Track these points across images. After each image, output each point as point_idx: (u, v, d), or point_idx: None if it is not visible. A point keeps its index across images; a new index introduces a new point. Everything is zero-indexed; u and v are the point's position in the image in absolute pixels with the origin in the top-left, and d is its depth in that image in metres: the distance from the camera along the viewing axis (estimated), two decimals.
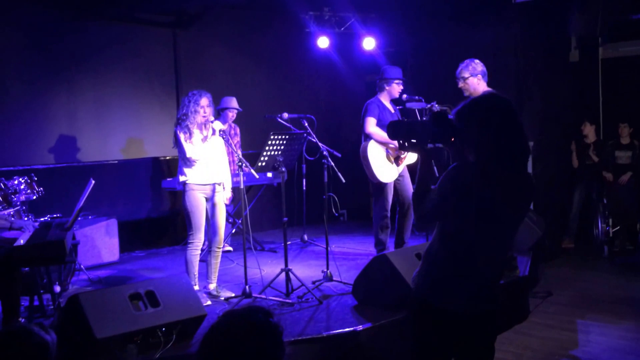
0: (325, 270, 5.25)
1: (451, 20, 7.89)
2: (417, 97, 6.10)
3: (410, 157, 5.81)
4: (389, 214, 5.85)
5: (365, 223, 8.21)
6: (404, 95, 6.11)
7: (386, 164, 5.68)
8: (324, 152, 5.20)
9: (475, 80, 5.18)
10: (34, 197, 5.12)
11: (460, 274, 2.45)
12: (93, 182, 4.41)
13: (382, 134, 5.52)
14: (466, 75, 5.20)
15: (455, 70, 5.34)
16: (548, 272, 6.40)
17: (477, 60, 5.22)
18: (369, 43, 7.93)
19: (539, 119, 7.56)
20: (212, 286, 5.02)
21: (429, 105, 5.56)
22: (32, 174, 5.20)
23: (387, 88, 5.82)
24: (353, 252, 6.74)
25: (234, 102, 6.60)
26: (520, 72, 7.65)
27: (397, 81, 5.82)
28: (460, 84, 5.25)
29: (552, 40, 7.63)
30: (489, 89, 5.28)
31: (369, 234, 6.21)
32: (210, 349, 1.68)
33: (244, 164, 4.79)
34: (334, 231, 7.84)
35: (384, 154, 5.69)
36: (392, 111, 5.87)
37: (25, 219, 4.83)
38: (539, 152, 7.38)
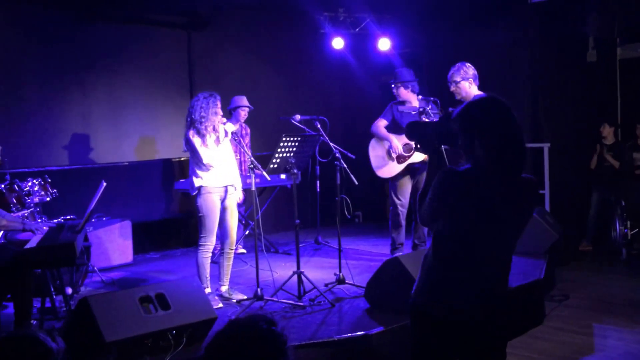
0: (338, 272, 5.21)
1: (466, 21, 7.82)
2: (432, 98, 6.06)
3: (416, 156, 5.79)
4: (400, 212, 5.84)
5: (380, 225, 8.16)
6: (419, 97, 6.09)
7: (385, 161, 5.85)
8: (337, 154, 5.17)
9: (466, 84, 5.24)
10: (48, 199, 5.16)
11: (453, 280, 2.41)
12: (104, 184, 4.42)
13: (382, 132, 5.88)
14: (457, 79, 5.26)
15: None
16: (565, 275, 6.30)
17: (468, 64, 5.27)
18: (384, 44, 7.89)
19: (555, 120, 7.45)
20: (224, 288, 5.00)
21: (420, 109, 5.54)
22: (46, 176, 5.24)
23: (403, 91, 5.87)
24: (367, 254, 6.69)
25: (244, 101, 6.60)
26: (536, 73, 7.55)
27: (406, 83, 5.88)
28: (452, 88, 5.32)
29: (569, 41, 7.50)
30: (481, 92, 5.32)
31: (383, 236, 6.17)
32: (214, 358, 1.66)
33: (255, 166, 4.77)
34: (349, 233, 7.81)
35: (385, 150, 5.88)
36: (413, 112, 5.85)
37: (39, 220, 4.86)
38: (556, 154, 7.27)
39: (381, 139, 5.92)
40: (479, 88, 5.37)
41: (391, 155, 5.86)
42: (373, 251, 6.78)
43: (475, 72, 5.27)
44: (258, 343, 1.63)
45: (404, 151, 5.81)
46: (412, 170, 5.88)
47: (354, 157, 5.84)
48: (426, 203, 2.45)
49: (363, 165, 6.25)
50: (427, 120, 5.29)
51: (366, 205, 8.91)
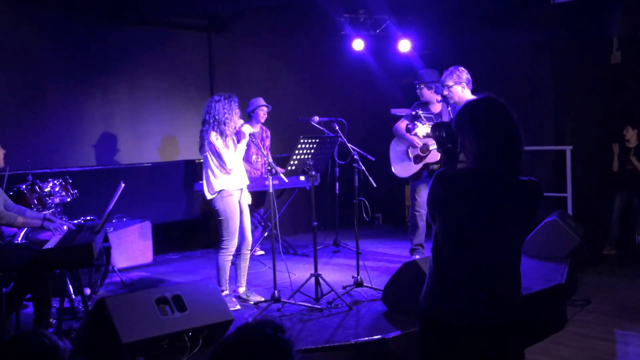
0: (356, 275, 5.19)
1: (488, 22, 7.74)
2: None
3: (432, 157, 5.76)
4: (418, 213, 5.82)
5: (400, 227, 8.11)
6: (438, 98, 6.04)
7: (403, 160, 5.83)
8: (355, 156, 5.15)
9: (459, 88, 5.24)
10: (68, 200, 5.22)
11: (453, 284, 2.37)
12: (123, 185, 4.45)
13: (402, 132, 5.77)
14: (450, 83, 5.25)
15: (490, 73, 5.26)
16: (587, 280, 6.18)
17: (461, 68, 5.26)
18: (404, 45, 7.83)
19: (578, 122, 7.34)
20: (242, 290, 5.01)
21: (414, 112, 5.51)
22: (67, 176, 5.30)
23: (427, 92, 5.85)
24: (386, 256, 6.65)
25: (261, 100, 6.61)
26: (559, 75, 7.44)
27: (430, 84, 5.83)
28: (445, 92, 5.31)
29: (593, 42, 7.38)
30: (474, 96, 5.22)
31: (403, 239, 6.13)
32: None
33: (273, 168, 4.76)
34: (368, 235, 7.77)
35: (404, 149, 5.84)
36: (436, 112, 5.83)
37: (61, 219, 4.92)
38: (578, 156, 7.16)
39: (402, 138, 5.90)
40: (473, 92, 5.34)
41: (409, 155, 5.85)
42: (392, 254, 6.74)
43: (469, 77, 5.26)
44: (264, 349, 1.62)
45: (421, 151, 5.79)
46: (430, 171, 5.84)
47: (373, 159, 5.82)
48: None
49: (383, 167, 6.22)
50: (423, 124, 5.27)
51: (386, 208, 8.86)
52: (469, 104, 2.45)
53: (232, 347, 1.65)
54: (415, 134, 5.28)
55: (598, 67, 7.53)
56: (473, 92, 5.31)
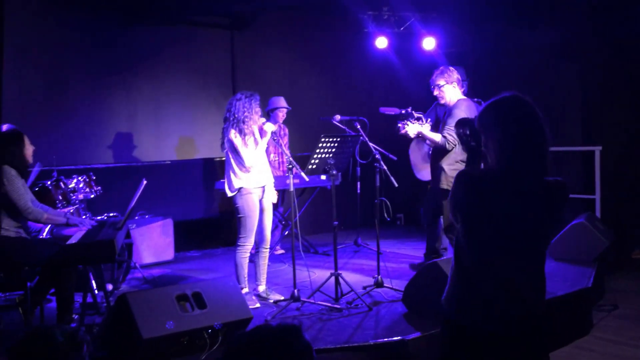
0: (376, 275, 5.14)
1: (515, 19, 7.61)
2: (476, 99, 5.93)
3: None
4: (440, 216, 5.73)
5: (422, 228, 8.02)
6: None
7: (426, 162, 5.66)
8: (377, 155, 5.10)
9: (450, 87, 5.18)
10: (92, 196, 5.27)
11: (475, 288, 2.32)
12: (145, 182, 4.48)
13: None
14: (441, 82, 5.19)
15: (517, 71, 5.18)
16: (615, 284, 6.04)
17: (452, 68, 5.23)
18: (429, 43, 7.73)
19: (607, 124, 7.17)
20: (262, 288, 5.00)
21: (403, 111, 5.41)
22: (91, 173, 5.36)
23: None
24: (407, 257, 6.59)
25: (283, 102, 6.59)
26: (588, 72, 7.28)
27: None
28: (435, 92, 5.24)
29: (623, 39, 7.20)
30: (464, 96, 5.25)
31: (424, 240, 6.06)
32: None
33: (293, 166, 4.74)
34: (389, 235, 7.71)
35: (426, 150, 5.70)
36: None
37: (84, 217, 4.97)
38: (608, 158, 7.00)
39: (423, 140, 5.80)
40: (500, 91, 5.20)
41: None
42: (413, 254, 6.68)
43: (459, 77, 5.24)
44: (281, 351, 1.60)
45: None
46: None
47: (395, 158, 5.75)
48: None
49: (405, 167, 6.16)
50: (413, 123, 5.18)
51: (408, 208, 8.78)
52: (493, 101, 2.37)
53: (249, 344, 1.62)
54: (406, 133, 5.17)
55: (628, 65, 7.35)
56: (500, 91, 5.21)
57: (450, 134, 5.01)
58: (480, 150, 2.43)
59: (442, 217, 5.23)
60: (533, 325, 2.35)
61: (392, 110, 5.55)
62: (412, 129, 5.11)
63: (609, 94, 7.23)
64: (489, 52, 7.97)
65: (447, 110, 5.18)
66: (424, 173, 5.81)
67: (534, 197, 2.28)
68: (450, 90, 5.18)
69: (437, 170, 5.19)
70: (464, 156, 5.20)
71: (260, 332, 1.65)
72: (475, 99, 5.89)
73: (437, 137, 5.08)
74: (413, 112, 5.41)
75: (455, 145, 5.04)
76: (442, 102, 5.25)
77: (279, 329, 1.65)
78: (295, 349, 1.61)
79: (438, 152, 5.17)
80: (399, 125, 5.17)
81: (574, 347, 4.62)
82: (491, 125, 2.33)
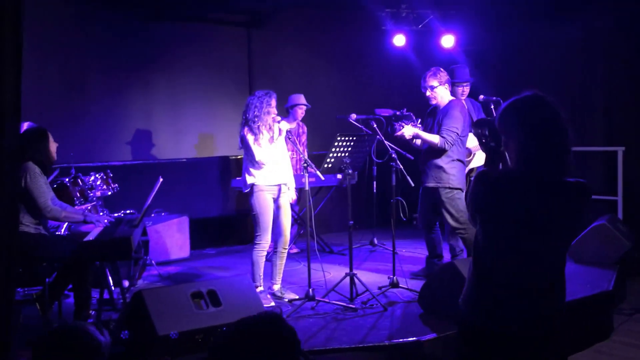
0: (392, 276, 5.10)
1: (536, 15, 7.49)
2: (494, 98, 5.88)
3: (477, 160, 5.60)
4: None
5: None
6: (481, 96, 5.92)
7: None
8: (393, 155, 5.06)
9: (442, 89, 5.19)
10: (109, 193, 5.30)
11: (493, 290, 2.28)
12: (161, 180, 4.49)
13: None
14: (435, 84, 5.19)
15: (538, 69, 5.10)
16: (637, 287, 5.93)
17: (442, 69, 5.25)
18: (447, 41, 7.66)
19: (632, 123, 7.03)
20: (277, 287, 4.99)
21: (398, 112, 5.35)
22: (108, 170, 5.38)
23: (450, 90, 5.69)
24: (423, 258, 6.52)
25: (302, 99, 6.57)
26: (612, 72, 7.14)
27: (463, 84, 5.72)
28: (428, 93, 5.23)
29: None
30: (453, 97, 5.29)
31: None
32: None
33: (309, 165, 4.73)
34: (405, 235, 7.65)
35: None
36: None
37: (101, 214, 5.00)
38: (632, 158, 6.86)
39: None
40: (522, 90, 5.12)
41: None
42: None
43: (449, 78, 5.27)
44: (266, 339, 1.61)
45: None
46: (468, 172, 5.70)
47: (412, 157, 5.69)
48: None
49: None
50: (407, 124, 5.15)
51: None
52: (514, 100, 2.33)
53: (233, 336, 1.63)
54: (402, 135, 5.13)
55: None
56: (521, 89, 5.12)
57: (449, 133, 5.05)
58: (500, 151, 2.39)
59: (447, 216, 5.17)
60: (552, 328, 2.31)
61: (386, 112, 5.50)
62: (408, 130, 5.13)
63: (633, 92, 7.08)
64: (510, 49, 7.86)
65: (442, 111, 5.19)
66: None
67: (554, 199, 2.23)
68: (443, 91, 5.21)
69: (432, 170, 5.19)
70: (460, 154, 5.22)
71: (243, 324, 1.66)
72: (494, 98, 5.83)
73: (434, 138, 5.10)
74: (411, 114, 5.37)
75: (453, 144, 5.07)
76: (434, 102, 5.27)
77: (260, 318, 1.67)
78: (279, 335, 1.61)
79: (431, 152, 5.19)
80: (395, 126, 5.17)
81: (594, 351, 4.55)
82: (512, 125, 2.28)
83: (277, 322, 1.66)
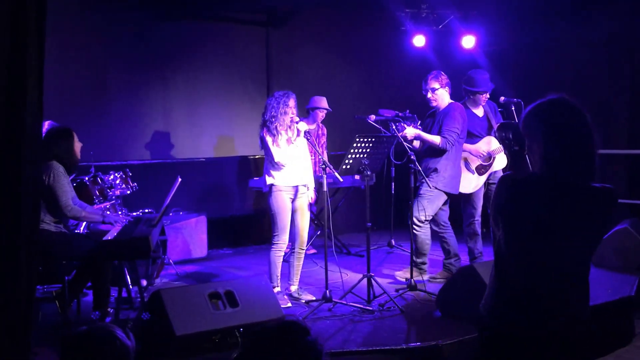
0: (410, 278, 5.07)
1: (559, 15, 7.38)
2: (515, 99, 5.80)
3: (498, 164, 5.54)
4: (475, 220, 5.63)
5: (457, 231, 7.87)
6: (502, 98, 5.86)
7: (463, 173, 5.51)
8: (412, 156, 5.03)
9: (443, 91, 5.30)
10: (128, 192, 5.33)
11: (514, 295, 2.24)
12: (180, 179, 4.51)
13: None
14: (436, 86, 5.30)
15: (561, 70, 5.04)
16: None
17: (442, 72, 5.35)
18: (468, 41, 7.58)
19: None
20: (294, 288, 4.99)
21: (401, 113, 5.32)
22: (127, 169, 5.41)
23: (472, 97, 5.64)
24: (441, 260, 6.46)
25: (324, 102, 6.55)
26: (637, 72, 7.00)
27: (482, 94, 5.61)
28: (429, 95, 5.32)
29: None
30: (452, 100, 5.36)
31: (459, 243, 5.95)
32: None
33: (327, 166, 4.71)
34: None
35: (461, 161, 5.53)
36: (480, 115, 5.64)
37: (120, 213, 5.03)
38: None
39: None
40: (544, 92, 5.05)
41: (469, 167, 5.57)
42: None
43: (449, 81, 5.36)
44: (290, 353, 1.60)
45: (484, 160, 5.57)
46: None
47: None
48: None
49: None
50: (407, 125, 5.16)
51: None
52: (539, 103, 2.28)
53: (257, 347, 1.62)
54: (405, 136, 5.11)
55: None
56: (543, 91, 5.06)
57: (450, 134, 5.16)
58: (524, 155, 2.35)
59: (416, 206, 5.19)
60: (574, 333, 2.27)
61: (389, 113, 5.48)
62: (410, 131, 5.17)
63: None
64: (532, 49, 7.76)
65: (442, 112, 5.29)
66: (462, 186, 5.51)
67: (579, 204, 2.19)
68: (443, 94, 5.32)
69: (427, 170, 5.26)
70: (457, 156, 5.20)
71: (265, 331, 1.65)
72: (515, 100, 5.76)
73: (436, 138, 5.21)
74: (415, 116, 5.36)
75: (454, 144, 5.18)
76: (434, 104, 5.37)
77: (282, 326, 1.67)
78: (302, 343, 1.61)
79: (429, 154, 5.29)
80: (398, 127, 5.18)
81: (615, 356, 4.46)
82: (536, 128, 2.24)
83: (300, 329, 1.65)
